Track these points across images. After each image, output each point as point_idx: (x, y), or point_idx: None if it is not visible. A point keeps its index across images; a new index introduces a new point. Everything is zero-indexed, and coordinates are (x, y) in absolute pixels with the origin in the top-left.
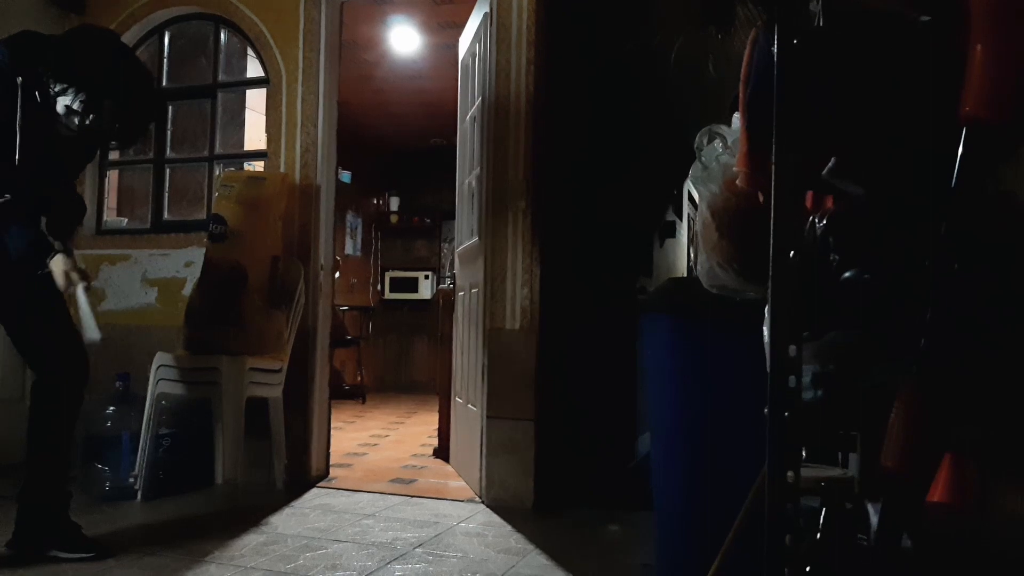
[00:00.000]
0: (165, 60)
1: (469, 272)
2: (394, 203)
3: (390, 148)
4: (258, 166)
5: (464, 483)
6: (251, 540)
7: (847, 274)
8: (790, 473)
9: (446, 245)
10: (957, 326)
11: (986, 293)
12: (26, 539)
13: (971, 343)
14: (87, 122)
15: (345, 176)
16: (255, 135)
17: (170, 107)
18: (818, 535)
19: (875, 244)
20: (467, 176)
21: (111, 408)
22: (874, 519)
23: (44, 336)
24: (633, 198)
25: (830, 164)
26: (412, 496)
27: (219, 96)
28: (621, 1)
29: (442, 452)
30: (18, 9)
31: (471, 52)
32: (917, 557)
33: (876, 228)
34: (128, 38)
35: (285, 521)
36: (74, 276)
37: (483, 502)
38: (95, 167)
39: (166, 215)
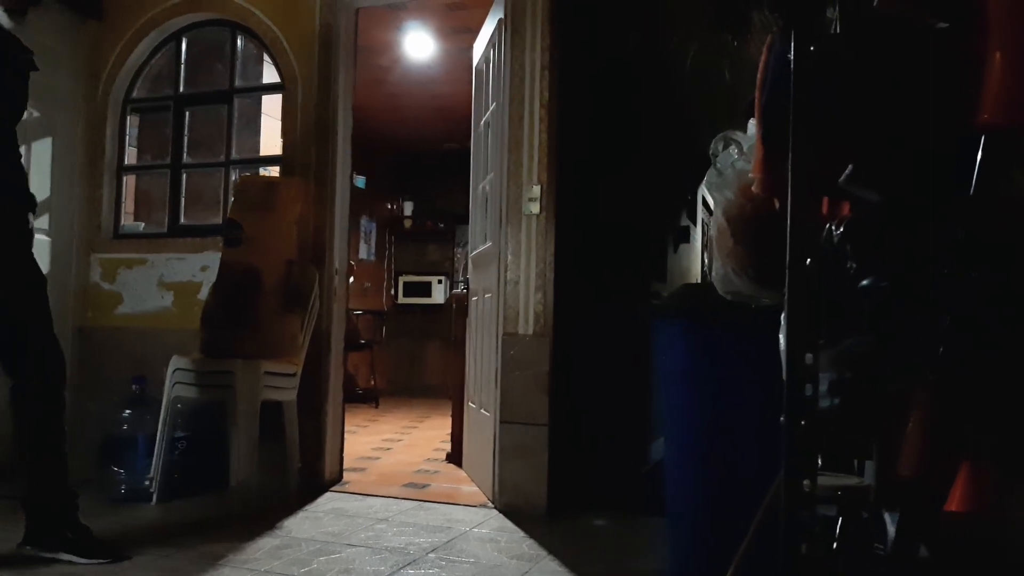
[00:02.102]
0: (182, 66)
1: (483, 277)
2: (408, 207)
3: (404, 153)
4: (274, 171)
5: (477, 488)
6: (265, 543)
7: (864, 282)
8: (806, 481)
9: (459, 250)
10: (974, 334)
11: (1004, 302)
12: (36, 541)
13: (988, 351)
14: None
15: (359, 181)
16: (271, 140)
17: (187, 112)
18: (834, 544)
19: (892, 251)
20: (481, 181)
21: (127, 411)
22: (891, 528)
23: (26, 334)
24: (634, 195)
25: (847, 171)
26: (425, 501)
27: (235, 101)
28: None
29: (455, 457)
30: (36, 17)
31: (485, 57)
32: (934, 566)
33: (893, 235)
34: (146, 44)
35: (299, 525)
36: None
37: (496, 507)
38: (112, 176)
39: (182, 219)
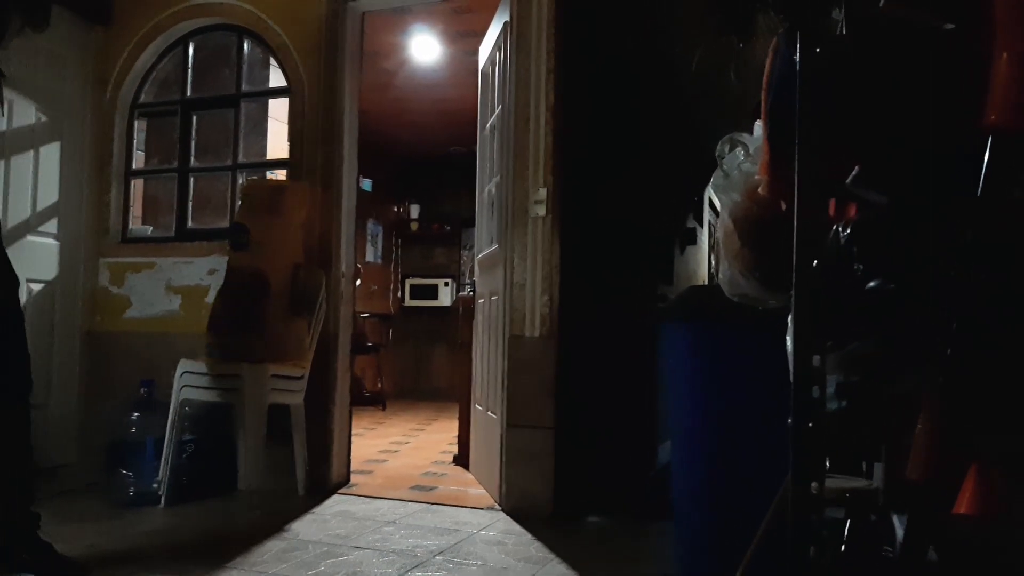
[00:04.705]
0: (189, 70)
1: (489, 279)
2: (414, 211)
3: (410, 156)
4: (280, 175)
5: (484, 491)
6: (273, 546)
7: (871, 283)
8: (814, 484)
9: (466, 252)
10: (982, 336)
11: (1012, 305)
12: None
13: (992, 354)
14: None
15: (366, 184)
16: (277, 144)
17: (194, 117)
18: (842, 547)
19: (900, 253)
20: (487, 184)
21: (135, 414)
22: (899, 531)
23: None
24: (641, 198)
25: (854, 172)
26: (432, 503)
27: (242, 106)
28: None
29: (462, 459)
30: None
31: (491, 61)
32: (943, 570)
33: (900, 237)
34: (153, 49)
35: (306, 527)
36: None
37: (502, 510)
38: (120, 180)
39: (190, 223)
